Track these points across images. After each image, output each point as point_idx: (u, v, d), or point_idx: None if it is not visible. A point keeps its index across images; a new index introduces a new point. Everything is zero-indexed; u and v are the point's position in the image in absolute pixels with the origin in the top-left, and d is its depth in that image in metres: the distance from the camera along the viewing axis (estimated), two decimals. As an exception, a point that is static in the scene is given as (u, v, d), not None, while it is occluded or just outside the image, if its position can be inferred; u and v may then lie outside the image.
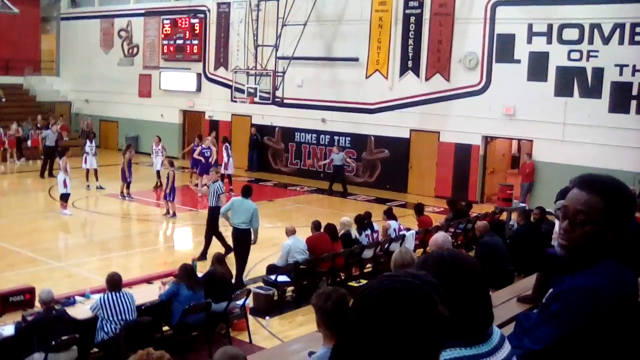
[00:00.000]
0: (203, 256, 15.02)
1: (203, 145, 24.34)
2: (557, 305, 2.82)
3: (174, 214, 20.16)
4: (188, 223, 20.65)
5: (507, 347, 2.52)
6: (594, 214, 2.75)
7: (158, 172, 24.09)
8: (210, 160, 23.82)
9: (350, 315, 1.79)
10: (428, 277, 1.86)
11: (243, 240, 13.83)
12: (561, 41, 22.12)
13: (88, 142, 24.94)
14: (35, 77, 37.81)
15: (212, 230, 15.68)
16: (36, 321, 8.80)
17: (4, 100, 35.01)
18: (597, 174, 2.89)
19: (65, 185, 20.26)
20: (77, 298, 10.18)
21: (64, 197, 20.42)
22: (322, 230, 14.03)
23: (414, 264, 5.57)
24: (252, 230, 13.89)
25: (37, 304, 9.77)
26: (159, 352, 3.23)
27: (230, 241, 14.58)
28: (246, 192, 14.26)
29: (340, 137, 27.33)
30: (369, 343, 1.72)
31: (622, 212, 2.79)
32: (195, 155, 24.39)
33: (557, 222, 9.33)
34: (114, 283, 9.57)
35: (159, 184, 23.98)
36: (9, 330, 8.91)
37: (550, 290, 2.95)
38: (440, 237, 6.95)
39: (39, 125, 31.02)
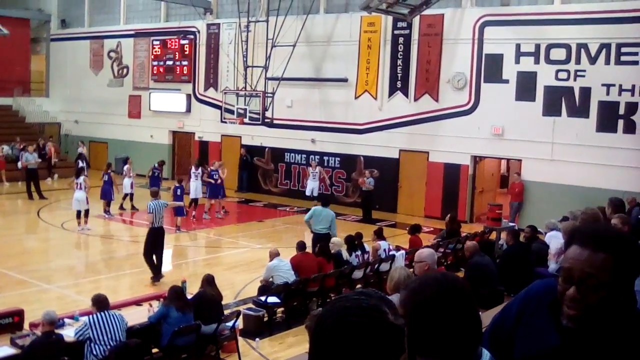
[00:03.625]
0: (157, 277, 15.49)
1: (212, 168, 24.31)
2: None
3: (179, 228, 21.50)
4: (176, 244, 20.62)
5: None
6: (605, 275, 2.40)
7: (195, 199, 23.86)
8: (218, 182, 23.73)
9: (310, 339, 1.91)
10: (376, 292, 1.97)
11: (323, 244, 14.97)
12: (549, 61, 22.28)
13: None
14: (24, 98, 37.83)
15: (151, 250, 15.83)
16: (35, 344, 8.74)
17: (-7, 121, 35.00)
18: (595, 225, 2.66)
19: (87, 202, 21.17)
20: (66, 320, 10.12)
21: (86, 214, 21.17)
22: (305, 250, 14.17)
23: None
24: (330, 234, 16.10)
25: (26, 326, 9.73)
26: None
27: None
28: (325, 202, 17.35)
29: (330, 158, 27.37)
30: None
31: (633, 268, 2.46)
32: (204, 178, 24.23)
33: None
34: (101, 303, 9.54)
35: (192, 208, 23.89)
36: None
37: None
38: (424, 252, 7.01)
39: (18, 147, 31.04)
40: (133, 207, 24.41)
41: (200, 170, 24.12)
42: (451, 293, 2.32)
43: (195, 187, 23.54)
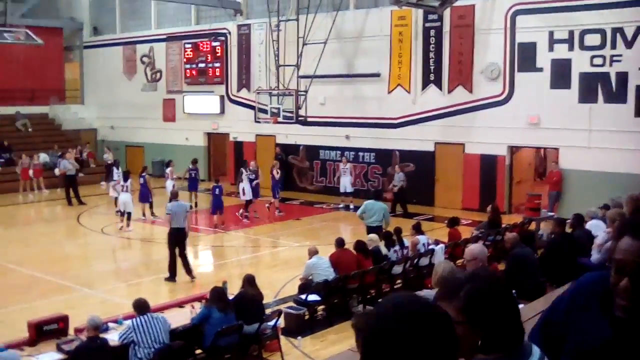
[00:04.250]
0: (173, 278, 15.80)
1: (250, 169, 24.47)
2: None
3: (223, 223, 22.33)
4: (216, 245, 20.74)
5: None
6: None
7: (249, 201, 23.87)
8: (253, 184, 23.86)
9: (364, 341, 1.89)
10: (415, 295, 2.01)
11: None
12: (583, 47, 21.98)
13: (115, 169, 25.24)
14: (60, 106, 38.32)
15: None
16: (80, 348, 8.84)
17: (30, 129, 35.48)
18: None
19: (132, 204, 21.91)
20: (110, 324, 10.21)
21: (129, 216, 21.80)
22: (344, 246, 14.13)
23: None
24: (384, 224, 17.03)
25: (70, 332, 9.83)
26: None
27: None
28: (377, 195, 18.57)
29: (365, 153, 27.32)
30: None
31: None
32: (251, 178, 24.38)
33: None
34: (141, 306, 9.64)
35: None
36: (43, 359, 8.96)
37: None
38: (476, 249, 6.94)
39: (55, 154, 31.55)
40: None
41: (249, 171, 24.19)
42: (497, 289, 2.36)
43: (248, 188, 23.49)
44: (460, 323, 2.33)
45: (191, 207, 24.43)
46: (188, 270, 15.97)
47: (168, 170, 25.33)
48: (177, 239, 15.89)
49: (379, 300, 11.88)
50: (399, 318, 1.85)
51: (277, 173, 24.67)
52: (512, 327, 2.44)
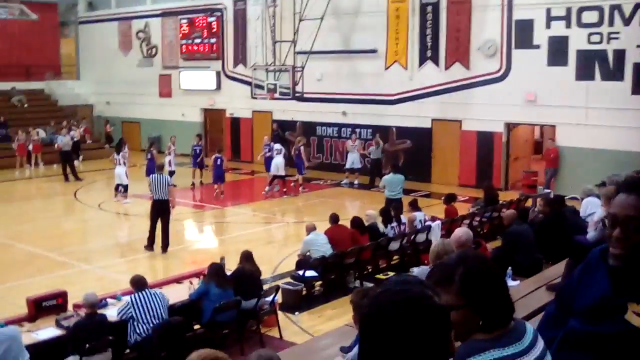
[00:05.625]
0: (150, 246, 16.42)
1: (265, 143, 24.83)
2: None
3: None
4: (214, 221, 20.80)
5: (540, 344, 2.56)
6: None
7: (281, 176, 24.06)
8: (268, 155, 24.29)
9: (363, 328, 1.98)
10: (414, 277, 2.05)
11: (396, 207, 16.21)
12: (581, 24, 21.93)
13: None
14: (56, 82, 38.14)
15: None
16: (79, 325, 8.89)
17: (26, 105, 35.37)
18: None
19: (127, 177, 22.41)
20: (109, 300, 10.27)
21: (125, 188, 22.35)
22: (339, 222, 14.19)
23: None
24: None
25: (69, 307, 9.88)
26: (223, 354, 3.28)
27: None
28: (396, 168, 19.58)
29: (362, 129, 27.30)
30: (389, 348, 1.90)
31: None
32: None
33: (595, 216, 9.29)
34: (138, 282, 9.69)
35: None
36: (42, 334, 9.01)
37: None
38: (462, 235, 6.96)
39: (50, 130, 31.56)
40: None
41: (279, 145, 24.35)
42: (488, 270, 2.43)
43: (277, 164, 23.51)
44: (460, 307, 2.41)
45: (193, 184, 24.66)
46: (165, 243, 16.31)
47: (167, 146, 25.41)
48: (159, 211, 16.24)
49: (378, 276, 11.94)
50: (395, 303, 1.92)
51: (303, 149, 25.00)
52: (505, 304, 2.51)
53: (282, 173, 23.57)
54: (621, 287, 2.73)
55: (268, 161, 24.27)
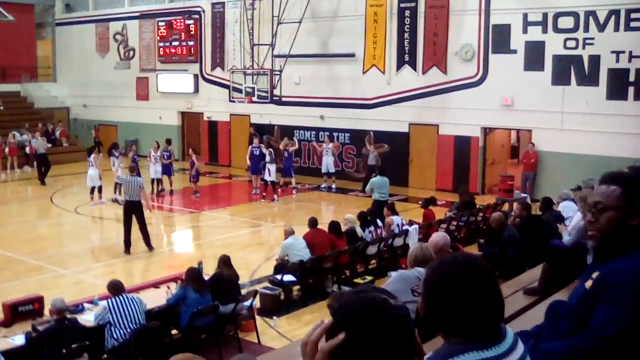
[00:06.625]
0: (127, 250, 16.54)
1: (253, 145, 24.44)
2: (615, 290, 3.04)
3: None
4: (192, 225, 20.73)
5: (520, 347, 2.56)
6: (611, 200, 3.08)
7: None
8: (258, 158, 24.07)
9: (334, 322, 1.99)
10: (368, 286, 2.29)
11: (382, 209, 16.64)
12: (557, 30, 22.14)
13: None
14: (32, 84, 37.87)
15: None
16: (48, 331, 8.82)
17: (1, 108, 35.05)
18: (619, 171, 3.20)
19: (100, 179, 22.40)
20: (86, 305, 10.22)
21: (99, 190, 22.53)
22: (317, 226, 14.20)
23: (432, 260, 5.68)
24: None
25: (46, 312, 9.81)
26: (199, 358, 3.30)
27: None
28: (383, 171, 19.16)
29: (340, 133, 27.34)
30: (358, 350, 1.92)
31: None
32: (248, 157, 24.44)
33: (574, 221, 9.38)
34: (115, 287, 9.63)
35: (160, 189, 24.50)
36: (19, 340, 8.94)
37: (594, 276, 3.16)
38: (440, 240, 6.96)
39: (22, 133, 31.26)
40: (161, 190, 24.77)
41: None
42: (470, 272, 2.39)
43: (271, 169, 23.35)
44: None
45: (162, 190, 24.42)
46: (147, 242, 16.60)
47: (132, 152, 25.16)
48: (132, 212, 16.37)
49: (356, 281, 11.93)
50: (362, 307, 1.95)
51: (292, 152, 25.08)
52: (477, 311, 2.49)
53: (273, 178, 23.44)
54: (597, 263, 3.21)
55: (254, 163, 24.12)
